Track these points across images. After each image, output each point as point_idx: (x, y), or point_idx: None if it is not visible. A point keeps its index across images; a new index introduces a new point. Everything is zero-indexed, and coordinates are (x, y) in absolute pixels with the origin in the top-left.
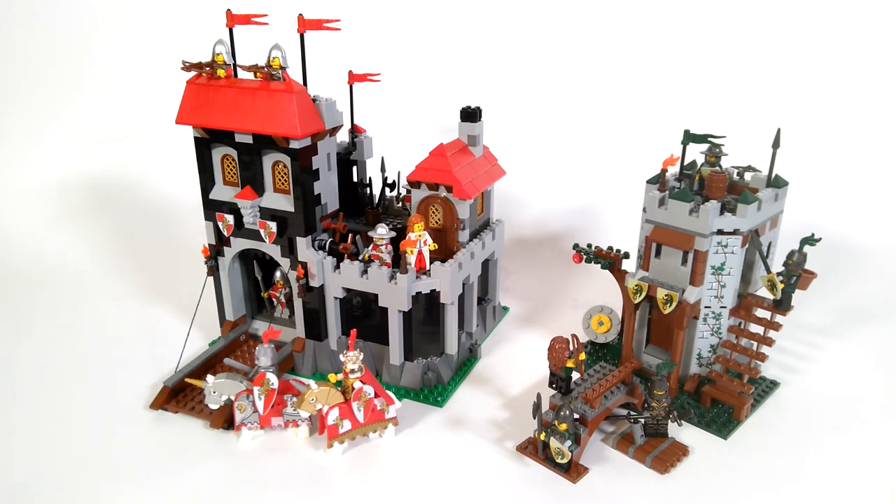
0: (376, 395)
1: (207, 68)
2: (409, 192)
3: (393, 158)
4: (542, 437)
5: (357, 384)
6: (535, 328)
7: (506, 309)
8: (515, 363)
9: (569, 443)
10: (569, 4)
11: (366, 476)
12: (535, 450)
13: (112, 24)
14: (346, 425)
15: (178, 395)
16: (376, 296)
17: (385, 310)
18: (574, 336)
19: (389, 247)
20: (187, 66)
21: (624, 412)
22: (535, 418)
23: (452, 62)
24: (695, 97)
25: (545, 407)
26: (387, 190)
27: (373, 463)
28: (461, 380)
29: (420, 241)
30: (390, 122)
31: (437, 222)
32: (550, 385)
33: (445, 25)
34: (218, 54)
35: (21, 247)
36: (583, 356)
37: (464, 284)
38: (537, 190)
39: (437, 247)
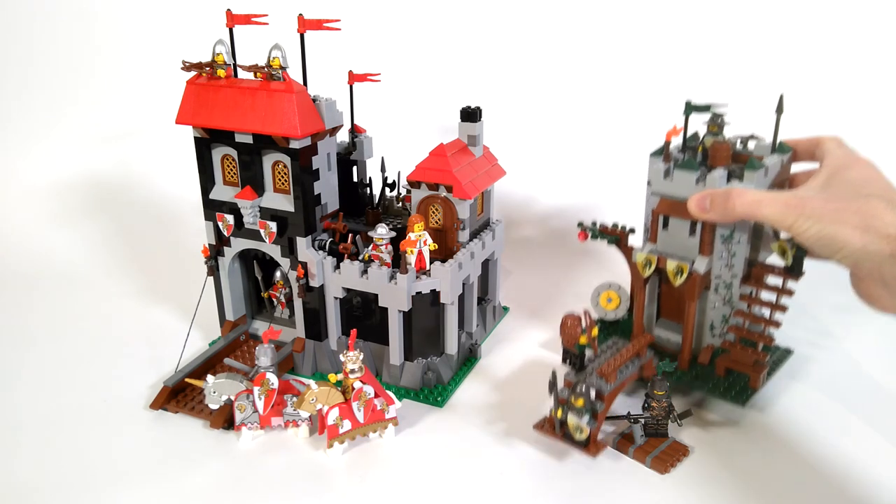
0: (376, 395)
1: (207, 68)
2: (409, 192)
3: (393, 158)
4: (559, 414)
5: (357, 384)
6: (536, 328)
7: (506, 309)
8: (516, 363)
9: (586, 417)
10: (567, 5)
11: (366, 476)
12: (552, 428)
13: (112, 24)
14: (346, 425)
15: (178, 395)
16: (376, 296)
17: (385, 310)
18: (586, 312)
19: (389, 247)
20: (187, 66)
21: (624, 412)
22: (550, 395)
23: (452, 62)
24: (692, 94)
25: (560, 384)
26: (387, 190)
27: (373, 463)
28: (461, 380)
29: (420, 241)
30: (390, 122)
31: (437, 222)
32: (564, 362)
33: (445, 25)
34: (218, 54)
35: (21, 247)
36: (596, 332)
37: (464, 284)
38: (537, 190)
39: (437, 247)
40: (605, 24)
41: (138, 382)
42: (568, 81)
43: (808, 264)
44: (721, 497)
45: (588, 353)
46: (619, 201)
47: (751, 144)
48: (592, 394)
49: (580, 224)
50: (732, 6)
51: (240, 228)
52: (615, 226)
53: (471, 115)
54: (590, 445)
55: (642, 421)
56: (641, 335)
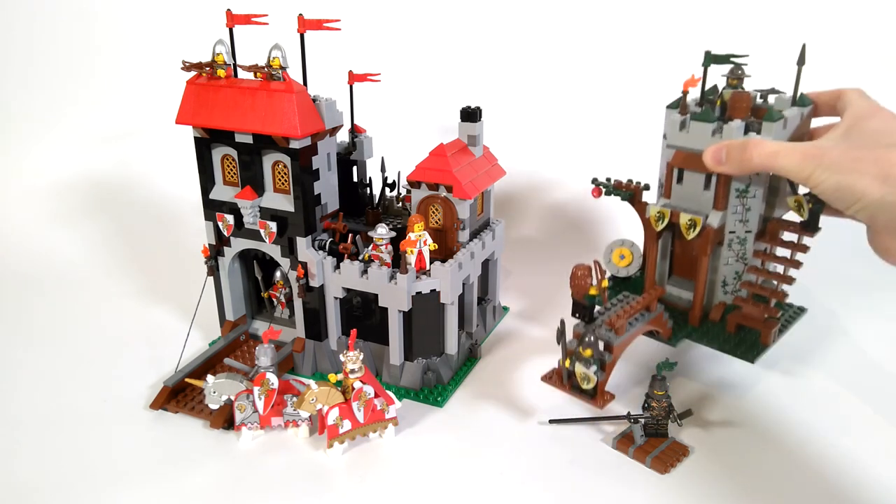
0: (376, 395)
1: (207, 68)
2: (409, 192)
3: (393, 158)
4: (567, 364)
5: (357, 384)
6: (536, 328)
7: (506, 309)
8: (516, 363)
9: (594, 367)
10: (566, 5)
11: (366, 476)
12: (560, 379)
13: (112, 24)
14: (346, 425)
15: (178, 395)
16: (376, 296)
17: (385, 310)
18: (596, 262)
19: (389, 247)
20: (187, 66)
21: (624, 412)
22: (559, 345)
23: (452, 62)
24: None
25: (569, 336)
26: (387, 190)
27: (373, 463)
28: (461, 380)
29: (420, 241)
30: (390, 122)
31: (437, 222)
32: (574, 314)
33: (445, 25)
34: (218, 54)
35: (21, 247)
36: (606, 283)
37: (464, 284)
38: (537, 190)
39: (437, 247)
40: (605, 22)
41: (138, 382)
42: (567, 82)
43: (821, 235)
44: (721, 497)
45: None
46: (619, 200)
47: (771, 98)
48: (601, 345)
49: (594, 180)
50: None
51: (240, 228)
52: (630, 181)
53: (471, 115)
54: (597, 396)
55: (642, 421)
56: (653, 288)
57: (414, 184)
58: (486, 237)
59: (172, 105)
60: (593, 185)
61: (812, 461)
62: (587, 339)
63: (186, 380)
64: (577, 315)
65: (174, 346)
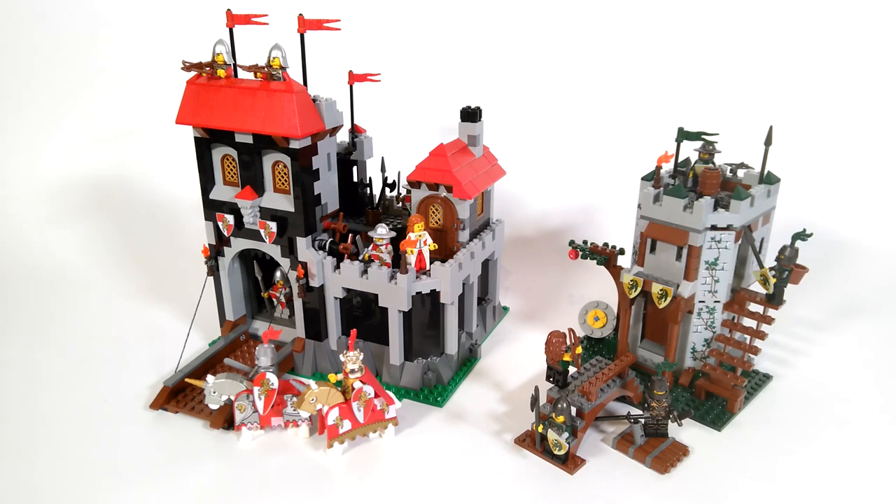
0: (376, 395)
1: (207, 68)
2: (409, 192)
3: (393, 158)
4: (540, 429)
5: (357, 384)
6: (536, 328)
7: (506, 309)
8: (515, 363)
9: (566, 434)
10: (567, 5)
11: (366, 476)
12: (533, 442)
13: (112, 24)
14: (346, 425)
15: (178, 395)
16: (376, 296)
17: (385, 310)
18: (571, 330)
19: (389, 247)
20: (187, 66)
21: (624, 412)
22: (532, 411)
23: (452, 62)
24: (689, 96)
25: (543, 400)
26: (387, 190)
27: (373, 463)
28: (461, 380)
29: (420, 241)
30: (390, 122)
31: (437, 222)
32: (548, 379)
33: (445, 25)
34: (218, 54)
35: (21, 247)
36: (579, 350)
37: (464, 284)
38: (537, 189)
39: (437, 247)
40: (606, 26)
41: (138, 382)
42: (568, 80)
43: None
44: (721, 497)
45: (572, 370)
46: (619, 199)
47: (740, 173)
48: (573, 411)
49: (571, 242)
50: (733, 38)
51: (240, 228)
52: (605, 245)
53: (471, 115)
54: (568, 461)
55: (642, 421)
56: (624, 355)
57: (414, 184)
58: (486, 237)
59: (172, 105)
60: (570, 248)
61: (812, 461)
62: (560, 405)
63: (186, 380)
64: (552, 380)
65: (174, 346)
